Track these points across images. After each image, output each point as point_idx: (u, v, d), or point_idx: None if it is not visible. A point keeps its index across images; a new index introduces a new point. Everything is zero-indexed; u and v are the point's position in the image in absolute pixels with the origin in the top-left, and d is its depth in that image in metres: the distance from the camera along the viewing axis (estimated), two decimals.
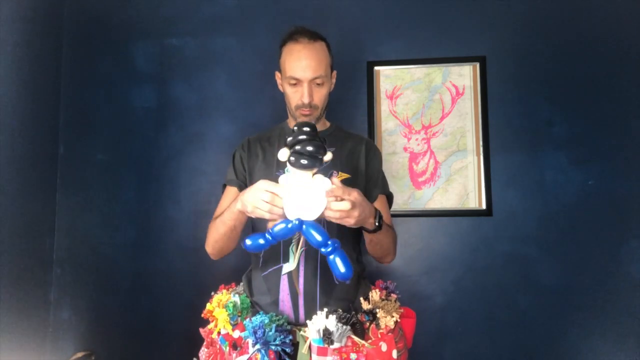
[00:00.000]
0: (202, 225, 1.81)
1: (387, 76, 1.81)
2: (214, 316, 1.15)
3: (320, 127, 1.29)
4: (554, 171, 1.71)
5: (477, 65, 1.77)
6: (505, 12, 1.79)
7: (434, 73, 1.79)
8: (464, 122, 1.77)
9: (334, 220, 0.95)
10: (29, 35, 1.75)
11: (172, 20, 1.91)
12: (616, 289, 1.65)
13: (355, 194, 0.95)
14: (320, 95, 1.22)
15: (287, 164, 0.94)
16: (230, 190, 1.30)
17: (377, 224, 1.05)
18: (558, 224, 1.69)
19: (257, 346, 1.02)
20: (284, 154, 0.92)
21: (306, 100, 1.20)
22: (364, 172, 1.25)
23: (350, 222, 0.96)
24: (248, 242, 0.96)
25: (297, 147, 0.90)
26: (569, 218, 1.69)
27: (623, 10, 1.74)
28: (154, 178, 1.86)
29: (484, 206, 1.72)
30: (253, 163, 1.28)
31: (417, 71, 1.80)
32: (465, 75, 1.78)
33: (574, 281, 1.67)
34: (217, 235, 1.19)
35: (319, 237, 0.91)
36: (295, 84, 1.22)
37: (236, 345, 1.09)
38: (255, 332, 1.04)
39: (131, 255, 1.84)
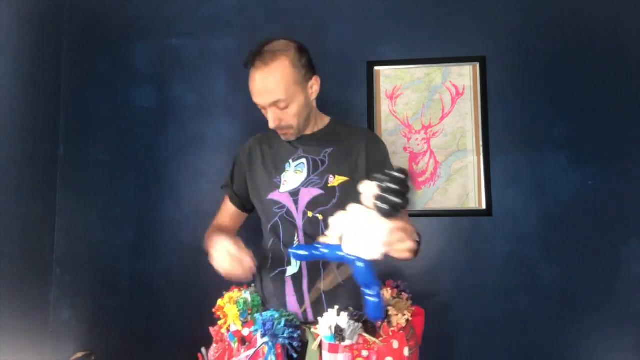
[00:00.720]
0: (202, 225, 1.79)
1: (387, 76, 1.81)
2: (224, 312, 1.15)
3: (313, 127, 1.28)
4: (554, 171, 1.71)
5: (477, 65, 1.77)
6: (505, 12, 1.79)
7: (434, 73, 1.79)
8: (464, 122, 1.77)
9: (390, 254, 0.92)
10: (29, 35, 1.75)
11: (172, 20, 1.91)
12: (616, 289, 1.65)
13: (409, 228, 0.93)
14: (288, 116, 1.17)
15: (365, 197, 0.90)
16: (226, 199, 1.37)
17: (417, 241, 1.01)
18: (558, 224, 1.69)
19: (265, 338, 1.03)
20: (369, 189, 0.89)
21: (272, 126, 1.17)
22: (364, 170, 1.22)
23: (405, 255, 0.93)
24: (295, 252, 0.99)
25: (390, 197, 0.85)
26: (569, 218, 1.69)
27: (623, 10, 1.74)
28: (154, 178, 1.86)
29: (484, 206, 1.72)
30: (253, 168, 1.29)
31: (417, 71, 1.80)
32: (465, 75, 1.78)
33: (573, 281, 1.67)
34: None
35: (368, 278, 0.90)
36: (263, 109, 1.19)
37: (245, 340, 1.09)
38: (264, 324, 1.05)
39: (131, 255, 1.83)
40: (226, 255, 1.03)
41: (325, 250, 0.94)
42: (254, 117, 1.83)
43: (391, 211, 0.86)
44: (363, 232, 0.89)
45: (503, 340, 1.68)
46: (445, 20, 1.81)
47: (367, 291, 0.90)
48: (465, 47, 1.79)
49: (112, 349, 1.80)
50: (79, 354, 1.74)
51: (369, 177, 0.91)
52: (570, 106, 1.73)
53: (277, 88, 1.12)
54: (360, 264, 0.89)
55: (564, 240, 1.69)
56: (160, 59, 1.90)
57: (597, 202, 1.68)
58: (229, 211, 1.37)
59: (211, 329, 1.19)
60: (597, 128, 1.71)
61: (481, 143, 1.74)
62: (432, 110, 1.78)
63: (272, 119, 1.16)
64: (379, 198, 0.86)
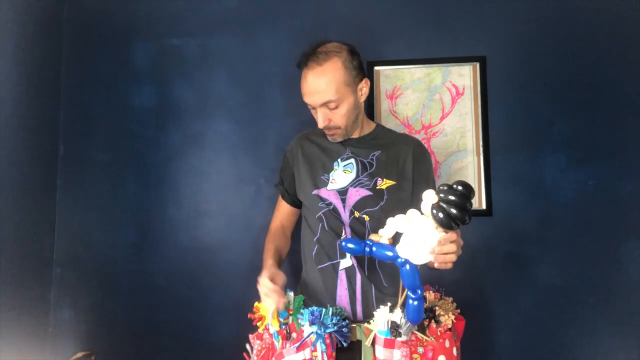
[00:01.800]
0: (202, 225, 1.81)
1: (387, 76, 1.81)
2: (262, 314, 1.16)
3: (361, 131, 1.31)
4: (554, 171, 1.71)
5: (477, 65, 1.77)
6: (505, 12, 1.79)
7: (434, 73, 1.79)
8: (464, 122, 1.77)
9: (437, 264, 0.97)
10: (29, 35, 1.75)
11: (172, 20, 1.91)
12: (616, 289, 1.65)
13: (460, 242, 0.98)
14: (338, 116, 1.21)
15: (426, 208, 0.93)
16: (280, 197, 1.42)
17: None
18: (558, 224, 1.69)
19: (314, 327, 1.05)
20: (430, 197, 0.91)
21: (321, 126, 1.21)
22: (410, 178, 1.24)
23: (448, 267, 0.98)
24: (345, 244, 1.03)
25: (447, 208, 0.89)
26: (569, 218, 1.69)
27: (624, 10, 1.74)
28: (154, 178, 1.86)
29: (484, 206, 1.72)
30: (301, 163, 1.31)
31: (417, 71, 1.80)
32: (465, 75, 1.78)
33: (574, 281, 1.67)
34: None
35: (414, 281, 0.93)
36: (313, 108, 1.23)
37: (289, 335, 1.12)
38: (312, 313, 1.07)
39: (131, 255, 1.83)
40: (264, 290, 1.11)
41: (375, 249, 0.98)
42: (254, 117, 1.85)
43: (447, 222, 0.89)
44: (416, 237, 0.92)
45: (502, 340, 1.68)
46: (445, 20, 1.81)
47: (411, 294, 0.94)
48: (465, 47, 1.79)
49: (112, 349, 1.80)
50: (79, 354, 1.74)
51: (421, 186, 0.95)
52: (570, 106, 1.73)
53: (328, 88, 1.16)
54: (407, 267, 0.93)
55: (564, 240, 1.69)
56: (160, 59, 1.90)
57: (597, 202, 1.68)
58: (283, 208, 1.42)
59: (250, 336, 1.21)
60: (597, 128, 1.71)
61: (481, 143, 1.74)
62: (432, 110, 1.78)
63: (322, 119, 1.20)
64: (437, 207, 0.89)
